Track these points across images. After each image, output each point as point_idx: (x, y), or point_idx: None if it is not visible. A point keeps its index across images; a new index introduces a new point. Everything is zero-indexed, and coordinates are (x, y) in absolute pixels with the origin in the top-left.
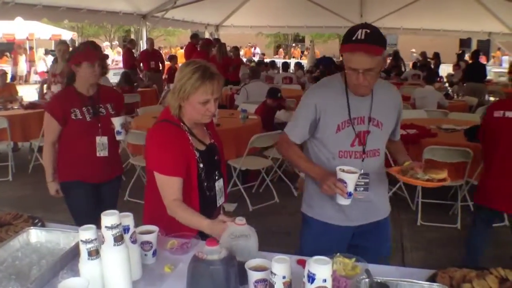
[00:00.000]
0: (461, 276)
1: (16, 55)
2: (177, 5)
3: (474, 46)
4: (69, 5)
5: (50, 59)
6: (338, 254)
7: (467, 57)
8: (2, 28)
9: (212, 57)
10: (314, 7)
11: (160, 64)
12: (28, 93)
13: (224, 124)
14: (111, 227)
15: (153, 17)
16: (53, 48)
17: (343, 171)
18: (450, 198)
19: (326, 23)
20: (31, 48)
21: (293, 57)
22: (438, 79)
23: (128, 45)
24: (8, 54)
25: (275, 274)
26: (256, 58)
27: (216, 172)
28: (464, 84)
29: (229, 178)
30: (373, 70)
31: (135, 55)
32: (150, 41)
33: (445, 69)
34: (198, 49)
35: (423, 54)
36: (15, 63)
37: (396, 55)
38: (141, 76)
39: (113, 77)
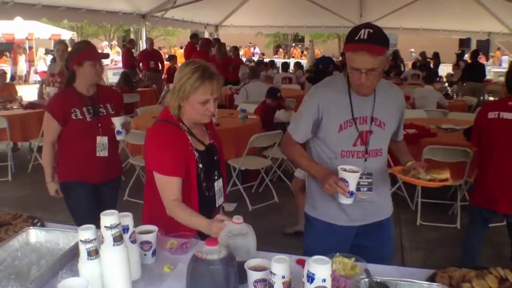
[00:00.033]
0: (461, 276)
1: (16, 55)
2: (177, 5)
3: (473, 46)
4: (69, 5)
5: (50, 58)
6: (337, 253)
7: (466, 57)
8: (2, 28)
9: (211, 57)
10: (313, 7)
11: (160, 64)
12: (28, 93)
13: (223, 124)
14: (110, 227)
15: (153, 17)
16: (52, 48)
17: (345, 170)
18: (450, 198)
19: (325, 23)
20: (30, 48)
21: (293, 57)
22: (438, 79)
23: (128, 45)
24: (7, 54)
25: (274, 274)
26: (255, 58)
27: (216, 172)
28: (464, 84)
29: (229, 178)
30: (375, 70)
31: (134, 55)
32: (150, 41)
33: (444, 69)
34: (198, 49)
35: (423, 54)
36: (14, 63)
37: (395, 55)
38: (140, 76)
39: (113, 77)
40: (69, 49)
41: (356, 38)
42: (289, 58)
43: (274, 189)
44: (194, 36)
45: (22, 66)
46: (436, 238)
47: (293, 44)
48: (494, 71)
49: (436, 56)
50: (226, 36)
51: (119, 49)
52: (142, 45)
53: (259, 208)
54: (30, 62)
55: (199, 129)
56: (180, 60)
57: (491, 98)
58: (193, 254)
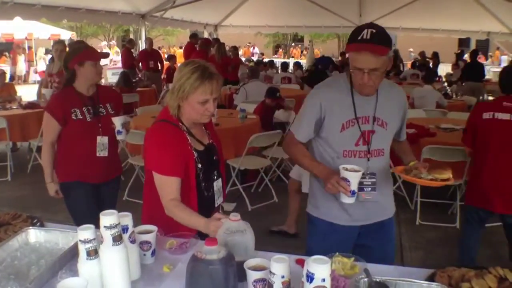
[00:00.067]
0: (460, 276)
1: (15, 55)
2: (176, 4)
3: (473, 46)
4: (68, 5)
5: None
6: (337, 253)
7: (466, 56)
8: (1, 28)
9: (211, 57)
10: (313, 7)
11: (159, 64)
12: (27, 93)
13: (223, 123)
14: (109, 227)
15: (152, 17)
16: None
17: (346, 169)
18: (449, 198)
19: (325, 23)
20: (29, 48)
21: (292, 57)
22: (437, 78)
23: (127, 45)
24: (7, 54)
25: (274, 274)
26: (255, 58)
27: (215, 172)
28: (463, 84)
29: (228, 178)
30: (378, 70)
31: (134, 55)
32: (149, 41)
33: (444, 69)
34: (197, 48)
35: (422, 54)
36: (14, 63)
37: (395, 55)
38: (140, 76)
39: (112, 77)
40: (67, 49)
41: (359, 38)
42: (288, 58)
43: (274, 189)
44: (194, 36)
45: (22, 66)
46: (435, 237)
47: (293, 44)
48: (493, 70)
49: (435, 55)
50: (226, 36)
51: (118, 49)
52: (142, 45)
53: (259, 208)
54: (30, 62)
55: (198, 129)
56: (180, 60)
57: (490, 98)
58: (192, 254)
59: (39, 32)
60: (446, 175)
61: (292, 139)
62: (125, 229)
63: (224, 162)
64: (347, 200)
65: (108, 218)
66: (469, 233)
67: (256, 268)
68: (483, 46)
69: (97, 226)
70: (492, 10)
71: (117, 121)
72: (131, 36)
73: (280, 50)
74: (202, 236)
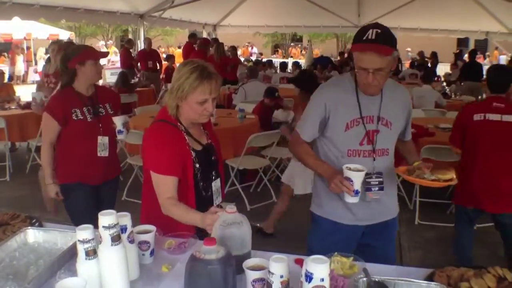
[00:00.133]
0: (459, 275)
1: (14, 55)
2: (175, 4)
3: (471, 46)
4: (67, 5)
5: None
6: (336, 253)
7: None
8: (0, 28)
9: (210, 57)
10: (311, 7)
11: (158, 64)
12: (26, 93)
13: (221, 123)
14: (108, 227)
15: (151, 17)
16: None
17: (350, 169)
18: (448, 197)
19: (323, 23)
20: (28, 48)
21: (291, 57)
22: (436, 78)
23: (126, 45)
24: (5, 54)
25: (272, 274)
26: (253, 58)
27: (213, 172)
28: (462, 83)
29: (227, 178)
30: (383, 70)
31: (132, 55)
32: (148, 41)
33: (442, 69)
34: (196, 48)
35: (421, 54)
36: (12, 63)
37: None
38: (138, 76)
39: (110, 77)
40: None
41: (364, 38)
42: (287, 58)
43: (273, 188)
44: (192, 36)
45: (20, 66)
46: (434, 237)
47: (292, 44)
48: None
49: (434, 55)
50: (224, 36)
51: (116, 49)
52: (140, 45)
53: (258, 207)
54: (28, 62)
55: (196, 129)
56: (178, 60)
57: None
58: (191, 254)
59: (37, 32)
60: (449, 176)
61: (297, 139)
62: (123, 229)
63: (223, 162)
64: (351, 199)
65: (106, 218)
66: (463, 233)
67: (255, 268)
68: (482, 46)
69: (96, 226)
70: (490, 10)
71: (118, 121)
72: (130, 36)
73: (279, 50)
74: (200, 236)
